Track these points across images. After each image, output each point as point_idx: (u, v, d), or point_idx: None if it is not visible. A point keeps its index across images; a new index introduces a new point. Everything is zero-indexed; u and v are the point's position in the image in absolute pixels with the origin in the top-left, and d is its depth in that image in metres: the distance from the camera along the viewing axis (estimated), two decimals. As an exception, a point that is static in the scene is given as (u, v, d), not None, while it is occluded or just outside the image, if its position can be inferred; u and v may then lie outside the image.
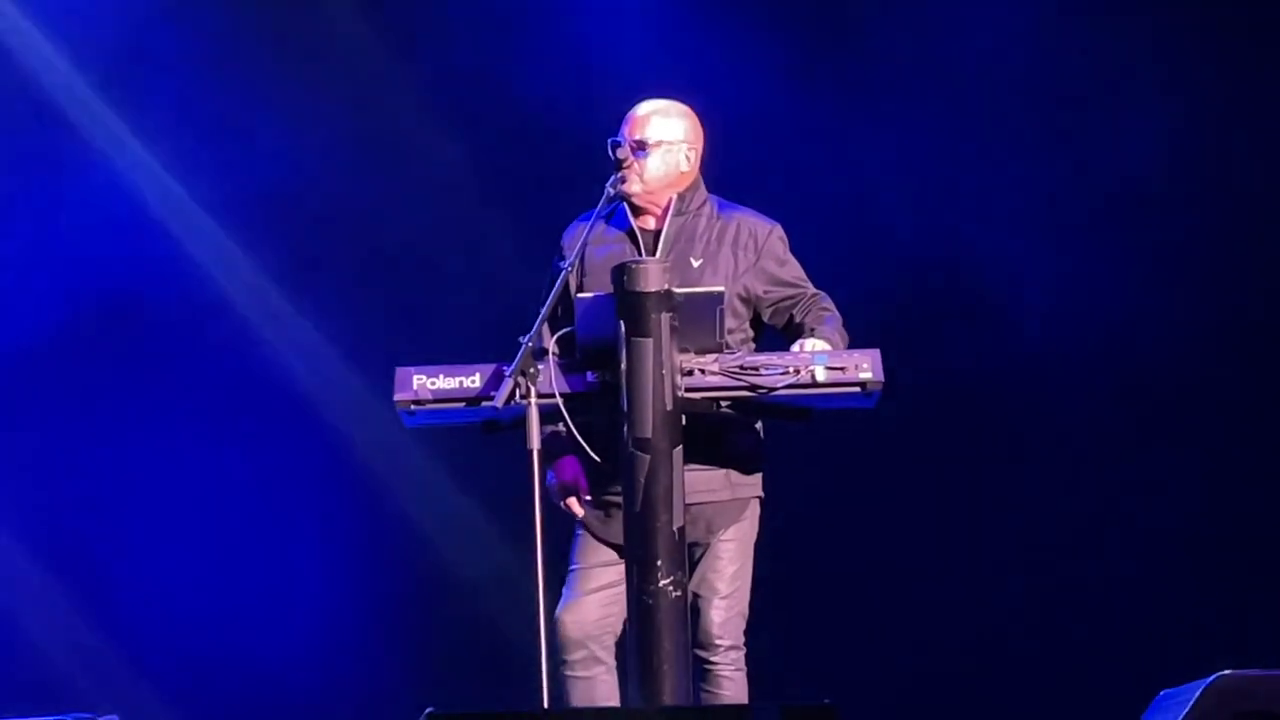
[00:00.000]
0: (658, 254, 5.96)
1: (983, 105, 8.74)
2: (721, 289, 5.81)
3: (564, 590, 5.96)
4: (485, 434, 5.88)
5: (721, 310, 5.76)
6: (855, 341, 5.92)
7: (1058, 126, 8.79)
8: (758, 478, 6.05)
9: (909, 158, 8.63)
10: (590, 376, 5.73)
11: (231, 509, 8.65)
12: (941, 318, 8.68)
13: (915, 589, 8.54)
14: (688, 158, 6.09)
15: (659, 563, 5.54)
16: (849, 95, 8.68)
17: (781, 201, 7.14)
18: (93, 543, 8.64)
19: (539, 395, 5.64)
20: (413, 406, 5.77)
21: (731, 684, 5.89)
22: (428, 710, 4.54)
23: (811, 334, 5.92)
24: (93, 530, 8.66)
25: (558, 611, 5.90)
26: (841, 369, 5.76)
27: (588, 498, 5.96)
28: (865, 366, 5.74)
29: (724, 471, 5.95)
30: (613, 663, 5.91)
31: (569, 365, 5.75)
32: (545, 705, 5.62)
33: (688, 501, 5.73)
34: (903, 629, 8.49)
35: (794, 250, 6.15)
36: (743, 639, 5.97)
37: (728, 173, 6.44)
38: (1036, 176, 8.72)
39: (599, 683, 5.89)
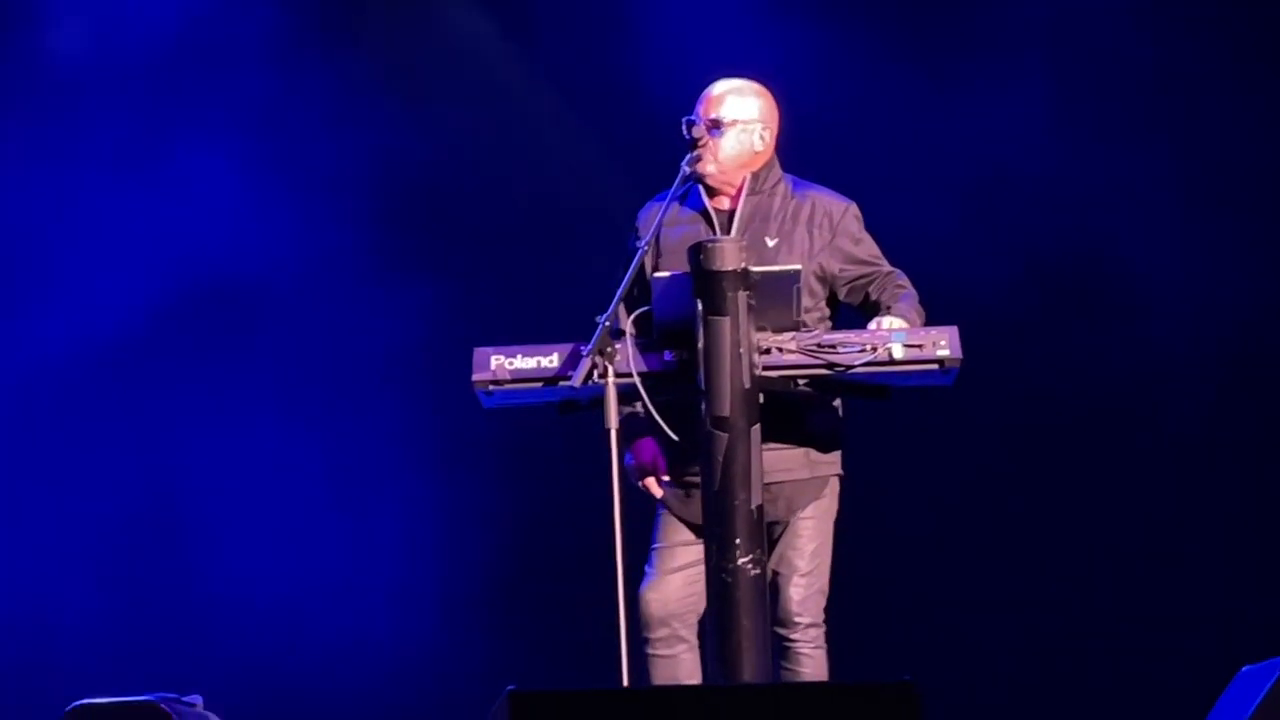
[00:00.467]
0: (733, 233, 5.97)
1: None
2: (798, 267, 5.81)
3: (646, 569, 5.99)
4: (562, 414, 5.90)
5: (798, 288, 5.76)
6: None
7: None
8: (837, 456, 6.06)
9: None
10: (667, 355, 5.75)
11: (313, 490, 8.69)
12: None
13: (1000, 572, 8.51)
14: (762, 137, 6.09)
15: (737, 541, 5.56)
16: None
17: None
18: (177, 524, 8.69)
19: (616, 375, 5.66)
20: (491, 387, 5.80)
21: (811, 661, 5.91)
22: (509, 688, 4.55)
23: (888, 311, 5.92)
24: (177, 511, 8.71)
25: (640, 590, 5.94)
26: (919, 346, 5.76)
27: (666, 478, 5.98)
28: (943, 344, 5.74)
29: (804, 450, 5.96)
30: (695, 641, 5.93)
31: (646, 345, 5.76)
32: (625, 683, 5.65)
33: (768, 480, 5.75)
34: (984, 608, 8.46)
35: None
36: (822, 616, 5.99)
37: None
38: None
39: (681, 661, 5.93)
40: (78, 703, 4.79)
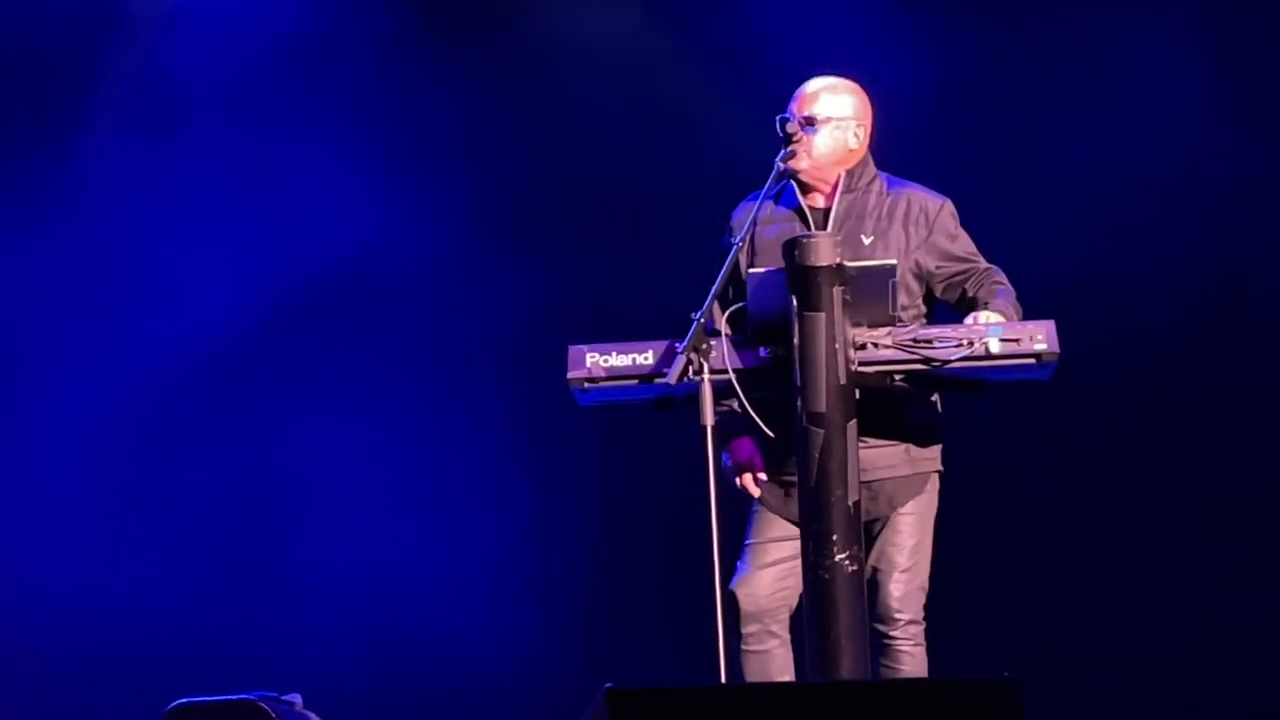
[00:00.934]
0: (828, 230, 5.97)
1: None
2: (894, 262, 5.82)
3: (738, 565, 6.00)
4: (658, 411, 5.92)
5: (894, 284, 5.77)
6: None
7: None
8: (936, 452, 6.07)
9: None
10: (763, 352, 5.76)
11: (410, 486, 8.73)
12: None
13: (1100, 570, 8.46)
14: (856, 135, 6.10)
15: (834, 537, 5.57)
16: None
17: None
18: (275, 523, 8.76)
19: (712, 372, 5.67)
20: (586, 384, 5.83)
21: (911, 659, 5.91)
22: (606, 686, 4.57)
23: (985, 307, 5.91)
24: (275, 510, 8.78)
25: (731, 585, 5.94)
26: (1015, 340, 5.75)
27: (764, 475, 5.98)
28: (1040, 338, 5.73)
29: (903, 446, 5.97)
30: (787, 637, 5.95)
31: (741, 341, 5.78)
32: (722, 680, 5.66)
33: (868, 478, 5.79)
34: (1083, 606, 8.42)
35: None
36: (922, 614, 5.99)
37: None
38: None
39: (774, 657, 5.94)
40: (179, 701, 4.83)
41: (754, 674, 5.92)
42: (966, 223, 6.13)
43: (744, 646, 5.95)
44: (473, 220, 8.82)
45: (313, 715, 4.96)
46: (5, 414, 8.66)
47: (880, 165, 6.20)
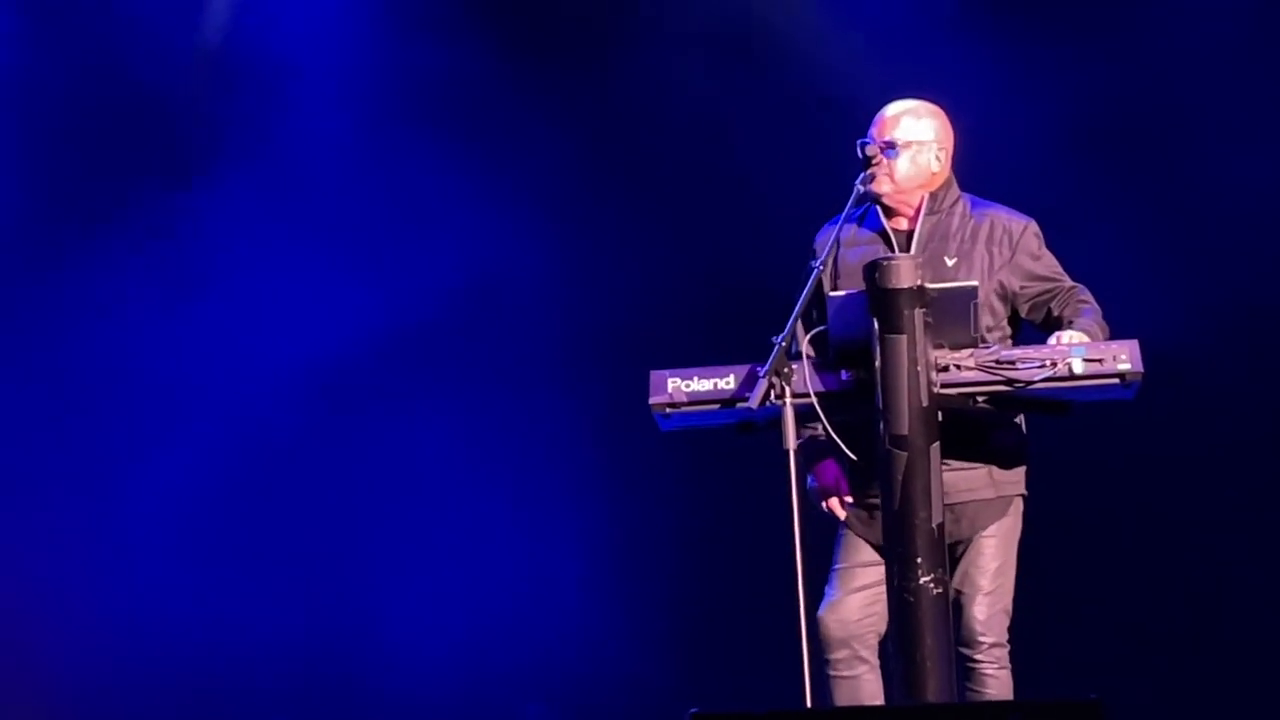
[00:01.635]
0: (911, 252, 5.97)
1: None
2: (975, 283, 5.81)
3: (826, 590, 6.01)
4: (740, 435, 5.93)
5: (976, 305, 5.76)
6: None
7: None
8: (1020, 474, 6.06)
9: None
10: (844, 375, 5.75)
11: (498, 514, 8.78)
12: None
13: (1185, 591, 8.46)
14: (938, 158, 6.11)
15: (919, 559, 5.57)
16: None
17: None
18: (371, 547, 8.83)
19: (794, 395, 5.67)
20: (668, 409, 5.84)
21: (996, 682, 5.90)
22: (692, 711, 4.59)
23: (1069, 326, 5.90)
24: (370, 535, 8.85)
25: (820, 611, 5.95)
26: (1099, 360, 5.73)
27: (849, 498, 6.00)
28: (1123, 357, 5.71)
29: (986, 469, 5.96)
30: (876, 662, 5.93)
31: (823, 364, 5.78)
32: (808, 704, 5.68)
33: (951, 500, 5.78)
34: (1170, 628, 8.40)
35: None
36: (1006, 636, 5.97)
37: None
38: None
39: (863, 682, 5.93)
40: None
41: (843, 699, 5.91)
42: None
43: (832, 672, 5.94)
44: (563, 248, 8.86)
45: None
46: (128, 449, 8.73)
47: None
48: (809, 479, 5.93)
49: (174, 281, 8.82)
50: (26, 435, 8.77)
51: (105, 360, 8.78)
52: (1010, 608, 6.00)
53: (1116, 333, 5.92)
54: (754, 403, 5.66)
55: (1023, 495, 6.07)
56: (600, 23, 9.13)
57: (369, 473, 8.89)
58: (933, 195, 6.11)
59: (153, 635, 8.49)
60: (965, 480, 5.88)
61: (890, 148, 6.03)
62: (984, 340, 5.84)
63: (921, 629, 5.57)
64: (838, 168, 6.20)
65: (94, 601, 8.56)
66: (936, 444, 5.64)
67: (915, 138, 6.09)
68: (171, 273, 8.84)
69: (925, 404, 5.61)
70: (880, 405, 5.62)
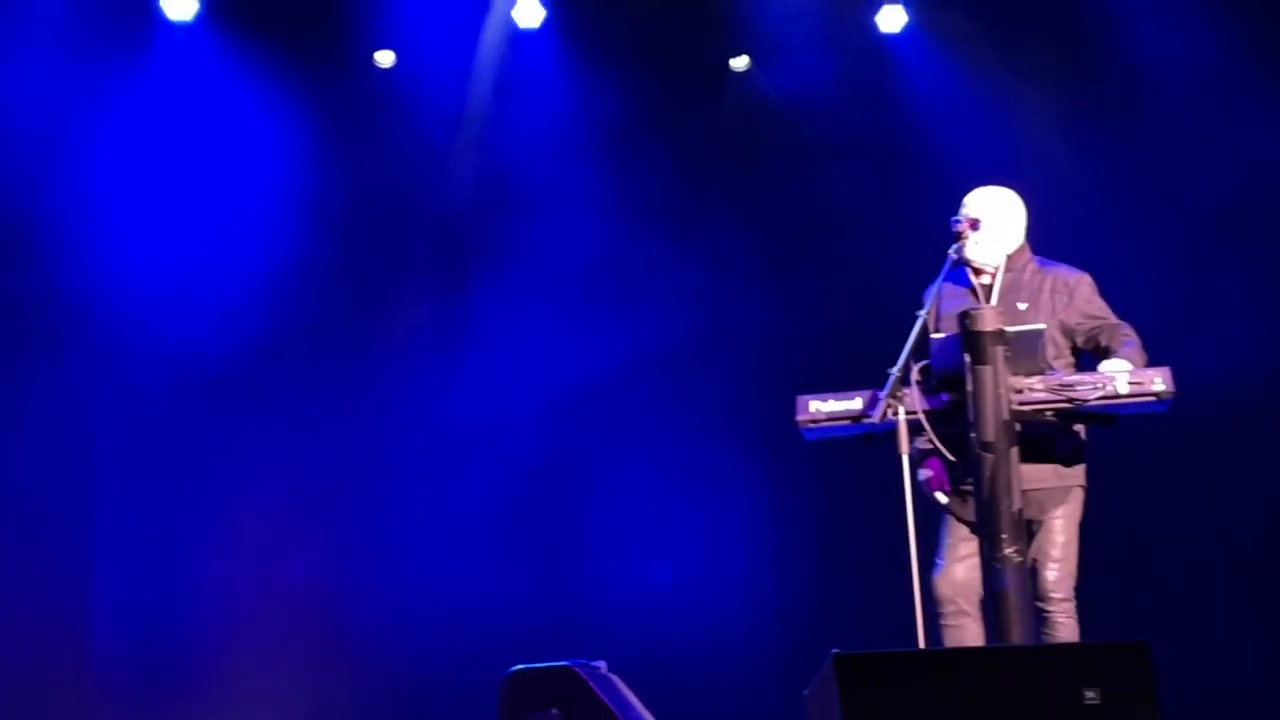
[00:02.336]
0: (992, 303, 5.97)
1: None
2: (1042, 326, 5.81)
3: (936, 561, 5.98)
4: (866, 444, 5.91)
5: (1043, 343, 5.76)
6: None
7: None
8: (1081, 470, 5.99)
9: None
10: (944, 397, 5.75)
11: (677, 500, 8.79)
12: None
13: (1233, 560, 8.30)
14: (1012, 230, 6.09)
15: (1004, 536, 5.54)
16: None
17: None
18: (585, 525, 8.85)
19: (907, 413, 5.69)
20: (810, 425, 5.87)
21: (1065, 629, 5.85)
22: (834, 651, 4.56)
23: (1115, 355, 5.87)
24: (588, 515, 8.88)
25: (933, 577, 5.93)
26: (1140, 383, 5.71)
27: (949, 490, 5.96)
28: (1159, 380, 5.70)
29: (1053, 467, 5.90)
30: (977, 614, 5.89)
31: (927, 389, 5.77)
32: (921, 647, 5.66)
33: (1027, 489, 5.72)
34: (1217, 588, 8.23)
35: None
36: (1073, 593, 5.91)
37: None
38: None
39: (966, 629, 5.90)
40: (514, 668, 4.90)
41: (952, 643, 5.88)
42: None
43: (943, 623, 5.92)
44: (741, 309, 8.87)
45: (615, 678, 5.00)
46: (422, 466, 8.81)
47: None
48: (919, 476, 5.88)
49: (451, 342, 8.89)
50: (361, 458, 8.84)
51: (403, 398, 8.87)
52: (1075, 572, 5.94)
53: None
54: (876, 418, 5.68)
55: (1083, 486, 6.00)
56: (764, 143, 9.14)
57: (601, 476, 8.89)
58: (1009, 258, 6.10)
59: (443, 608, 8.55)
60: (1037, 475, 5.82)
61: (975, 225, 6.01)
62: (1050, 368, 5.82)
63: (1008, 589, 5.55)
64: (935, 242, 6.16)
65: (399, 591, 8.62)
66: (1015, 448, 5.62)
67: (993, 215, 6.06)
68: (449, 336, 8.91)
69: (1006, 418, 5.60)
70: (972, 420, 5.61)
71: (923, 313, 5.90)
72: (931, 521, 5.95)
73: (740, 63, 9.11)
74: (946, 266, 5.94)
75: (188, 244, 8.77)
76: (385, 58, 8.95)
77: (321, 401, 8.80)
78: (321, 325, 8.82)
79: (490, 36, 8.88)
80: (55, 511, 8.62)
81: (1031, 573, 5.76)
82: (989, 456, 5.56)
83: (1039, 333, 5.75)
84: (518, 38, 8.93)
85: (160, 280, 8.70)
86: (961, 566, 5.92)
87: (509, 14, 8.84)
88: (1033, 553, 5.82)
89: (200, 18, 8.73)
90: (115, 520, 8.68)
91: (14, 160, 8.41)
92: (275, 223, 8.75)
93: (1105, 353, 5.94)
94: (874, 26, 8.94)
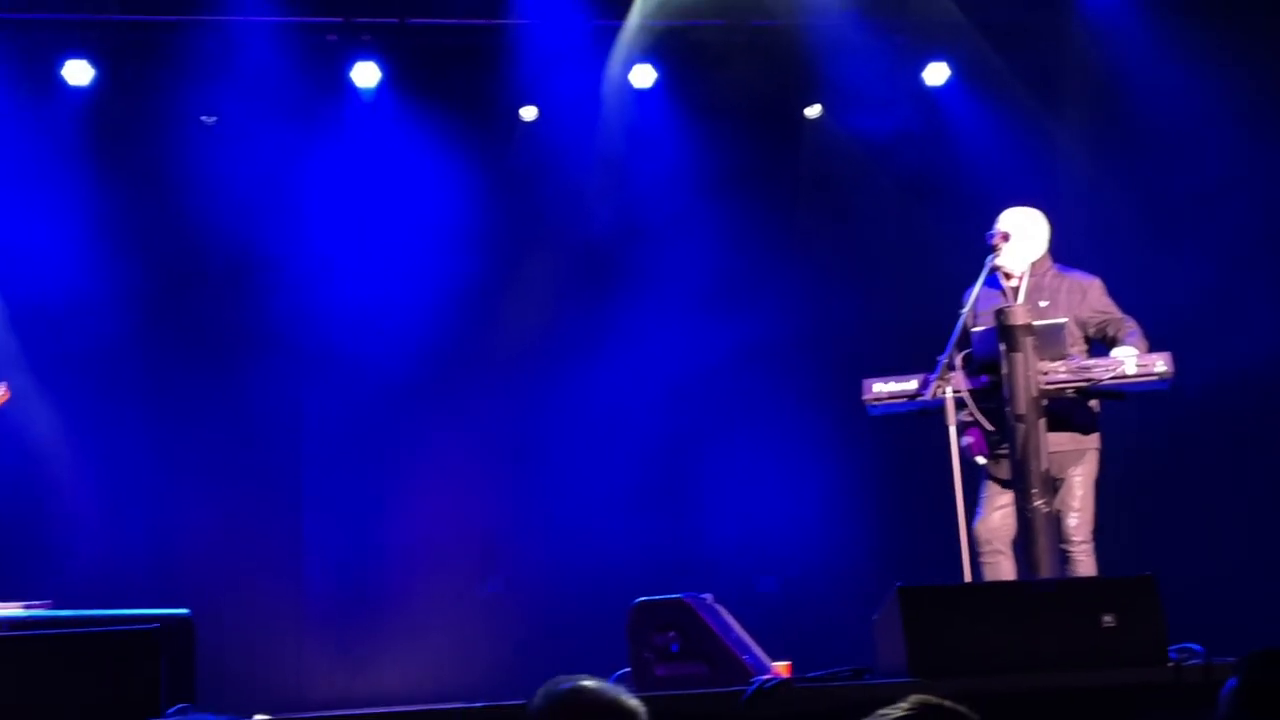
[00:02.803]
0: (1020, 302, 5.96)
1: None
2: (1063, 320, 5.82)
3: (976, 509, 5.98)
4: (920, 417, 5.95)
5: (1063, 334, 5.76)
6: None
7: None
8: (1096, 437, 5.98)
9: None
10: (983, 379, 5.78)
11: (783, 461, 8.68)
12: None
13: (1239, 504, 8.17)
14: (1037, 242, 6.09)
15: (1034, 490, 5.58)
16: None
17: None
18: (698, 485, 8.81)
19: (954, 392, 5.73)
20: (874, 402, 5.90)
21: (1084, 565, 5.84)
22: (897, 585, 4.59)
23: (1122, 343, 5.86)
24: (697, 477, 8.84)
25: (974, 524, 5.92)
26: (1145, 365, 5.74)
27: (987, 453, 5.97)
28: (1161, 363, 5.72)
29: (1072, 434, 5.90)
30: (1010, 553, 5.90)
31: (970, 372, 5.79)
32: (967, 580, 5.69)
33: (1052, 451, 5.73)
34: (1217, 532, 8.09)
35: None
36: (1092, 536, 5.90)
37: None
38: None
39: (1001, 566, 5.90)
40: (640, 599, 4.95)
41: (989, 578, 5.89)
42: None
43: (982, 560, 5.92)
44: (826, 306, 8.80)
45: (721, 608, 5.03)
46: (568, 445, 8.74)
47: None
48: (962, 442, 5.88)
49: (594, 344, 8.90)
50: (521, 438, 8.78)
51: (555, 390, 8.77)
52: (1093, 519, 5.93)
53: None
54: (928, 396, 5.74)
55: (1098, 449, 5.98)
56: (834, 177, 9.11)
57: (710, 447, 8.83)
58: (1033, 264, 6.09)
59: (585, 553, 8.46)
60: (1059, 440, 5.83)
61: (1006, 238, 6.01)
62: (1070, 354, 5.79)
63: (1037, 533, 5.57)
64: (972, 255, 6.16)
65: (552, 540, 8.58)
66: (1042, 419, 5.65)
67: (1022, 230, 6.06)
68: (592, 340, 8.93)
69: (1034, 395, 5.62)
70: (1006, 396, 5.64)
71: (964, 311, 5.93)
72: (972, 480, 5.95)
73: (814, 111, 9.11)
74: (985, 272, 5.95)
75: (375, 275, 8.84)
76: (529, 113, 8.99)
77: (489, 397, 8.80)
78: (487, 337, 8.84)
79: (611, 95, 8.91)
80: (275, 484, 8.67)
81: (1056, 520, 5.77)
82: (1021, 426, 5.57)
83: (1061, 326, 5.76)
84: (635, 96, 8.96)
85: (354, 304, 8.80)
86: (997, 515, 5.92)
87: (626, 76, 8.89)
88: (1057, 504, 5.82)
89: (381, 84, 8.84)
90: (320, 492, 8.71)
91: (240, 210, 8.54)
92: (447, 255, 8.79)
93: (1113, 342, 5.93)
94: (922, 81, 8.91)
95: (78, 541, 8.06)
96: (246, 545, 8.52)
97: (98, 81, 8.51)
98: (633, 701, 2.53)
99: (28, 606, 5.79)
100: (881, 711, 2.64)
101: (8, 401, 6.08)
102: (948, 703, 2.62)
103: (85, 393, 8.31)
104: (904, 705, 2.62)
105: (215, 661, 5.86)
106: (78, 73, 8.46)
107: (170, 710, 4.01)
